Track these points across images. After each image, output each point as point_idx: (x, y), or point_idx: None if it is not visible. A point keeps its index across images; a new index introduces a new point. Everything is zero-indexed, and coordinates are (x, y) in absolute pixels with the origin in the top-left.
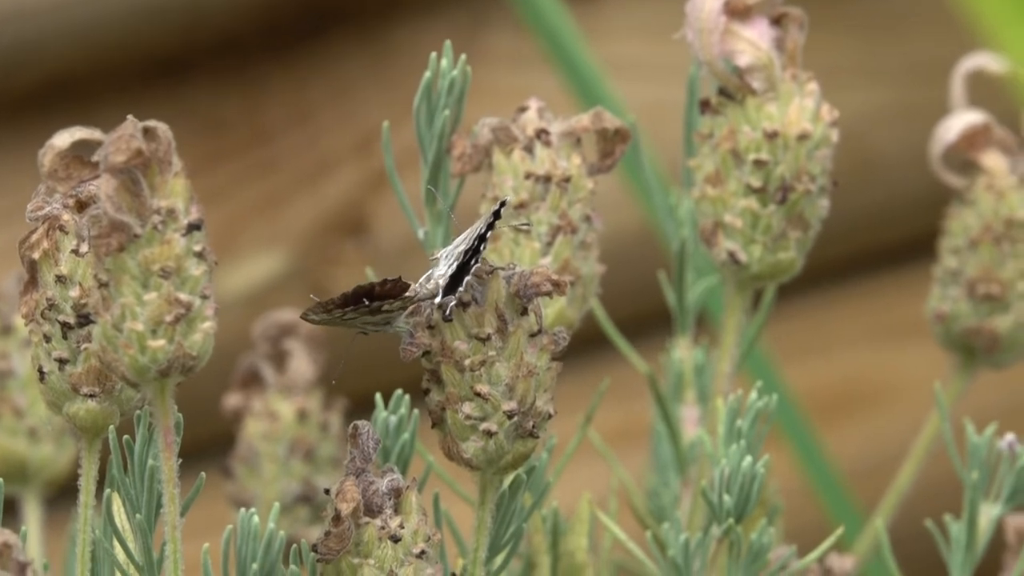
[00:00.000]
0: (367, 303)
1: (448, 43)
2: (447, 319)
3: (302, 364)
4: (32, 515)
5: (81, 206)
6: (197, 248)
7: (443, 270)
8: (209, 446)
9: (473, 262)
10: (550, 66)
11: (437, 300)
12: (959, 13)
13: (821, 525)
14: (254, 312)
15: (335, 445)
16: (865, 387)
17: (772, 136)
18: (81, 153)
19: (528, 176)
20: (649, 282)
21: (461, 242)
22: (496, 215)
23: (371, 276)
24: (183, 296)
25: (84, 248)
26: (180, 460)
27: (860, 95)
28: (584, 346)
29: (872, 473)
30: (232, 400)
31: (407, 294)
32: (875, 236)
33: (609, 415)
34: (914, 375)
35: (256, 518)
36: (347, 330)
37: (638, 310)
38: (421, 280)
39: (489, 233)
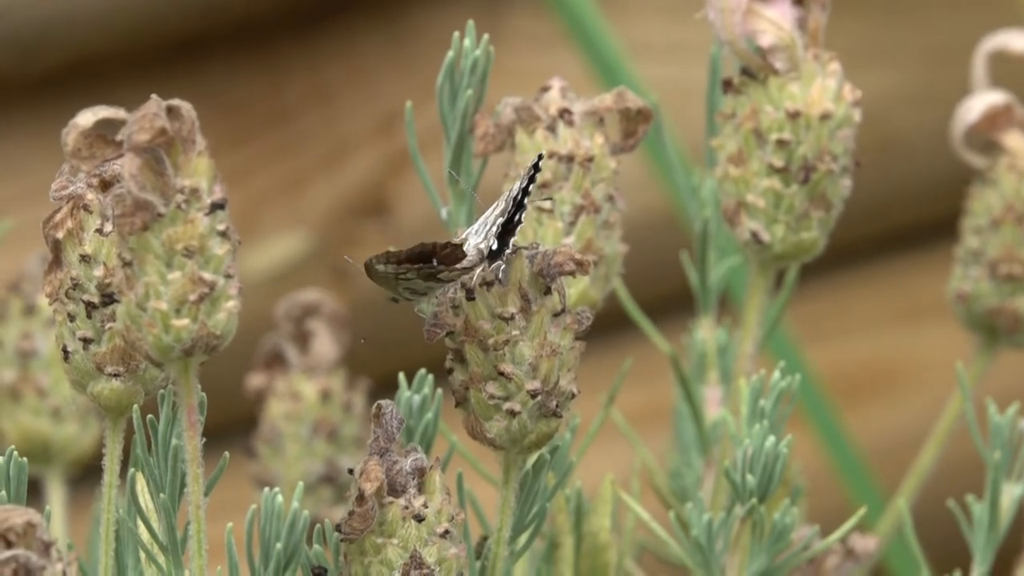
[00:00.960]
0: (434, 263)
1: (471, 23)
2: (470, 298)
3: (325, 344)
4: (55, 495)
5: (105, 185)
6: (220, 227)
7: (478, 240)
8: (232, 427)
9: (517, 218)
10: (571, 47)
11: (487, 259)
12: None
13: (843, 506)
14: (276, 293)
15: (358, 425)
16: (886, 368)
17: (794, 116)
18: (105, 132)
19: (551, 156)
20: (671, 263)
21: (491, 212)
22: (536, 168)
23: None
24: (207, 275)
25: (108, 227)
26: (203, 440)
27: (879, 77)
28: (606, 326)
29: (893, 454)
30: (255, 381)
31: (463, 264)
32: (895, 217)
33: (631, 396)
34: (935, 356)
35: (280, 498)
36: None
37: (660, 291)
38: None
39: (531, 186)
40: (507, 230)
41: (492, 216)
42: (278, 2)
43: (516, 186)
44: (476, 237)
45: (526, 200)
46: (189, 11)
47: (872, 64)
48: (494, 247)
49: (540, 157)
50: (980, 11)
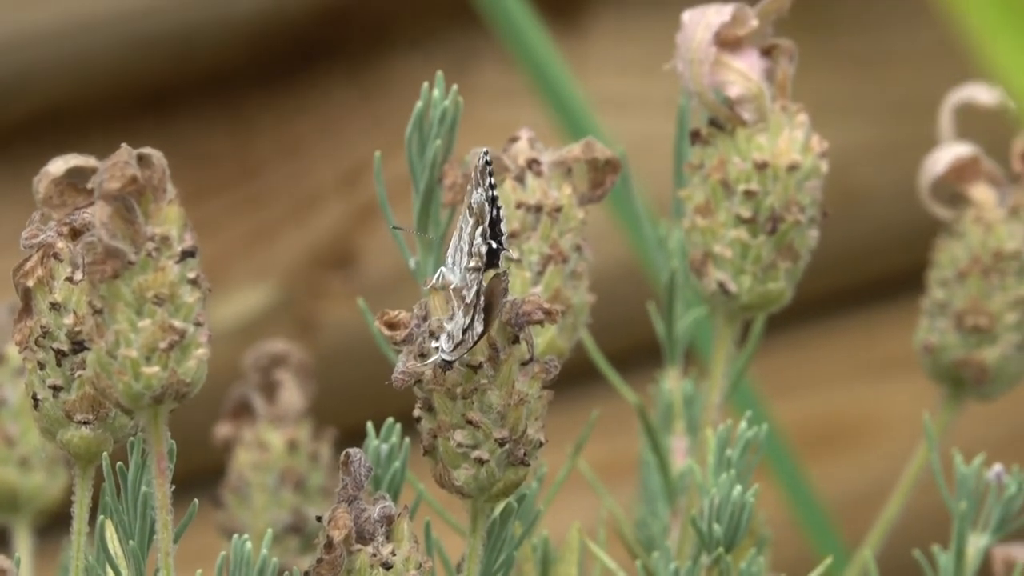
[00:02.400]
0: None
1: (440, 73)
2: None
3: (292, 395)
4: (22, 544)
5: (75, 233)
6: (191, 275)
7: (464, 264)
8: (199, 476)
9: (497, 215)
10: (538, 101)
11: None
12: (949, 33)
13: (807, 558)
14: (242, 345)
15: (325, 475)
16: (849, 422)
17: (762, 167)
18: (76, 181)
19: (519, 206)
20: (636, 314)
21: (458, 240)
22: (487, 163)
23: (363, 307)
24: (177, 323)
25: (78, 275)
26: (172, 488)
27: (843, 130)
28: (573, 377)
29: (856, 507)
30: (222, 430)
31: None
32: (858, 271)
33: (597, 448)
34: (900, 410)
35: (249, 544)
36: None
37: (627, 341)
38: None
39: (492, 179)
40: (494, 228)
41: (464, 239)
42: (248, 54)
43: (477, 193)
44: (455, 271)
45: (495, 192)
46: (158, 63)
47: (836, 117)
48: (492, 247)
49: (486, 152)
50: (943, 65)
